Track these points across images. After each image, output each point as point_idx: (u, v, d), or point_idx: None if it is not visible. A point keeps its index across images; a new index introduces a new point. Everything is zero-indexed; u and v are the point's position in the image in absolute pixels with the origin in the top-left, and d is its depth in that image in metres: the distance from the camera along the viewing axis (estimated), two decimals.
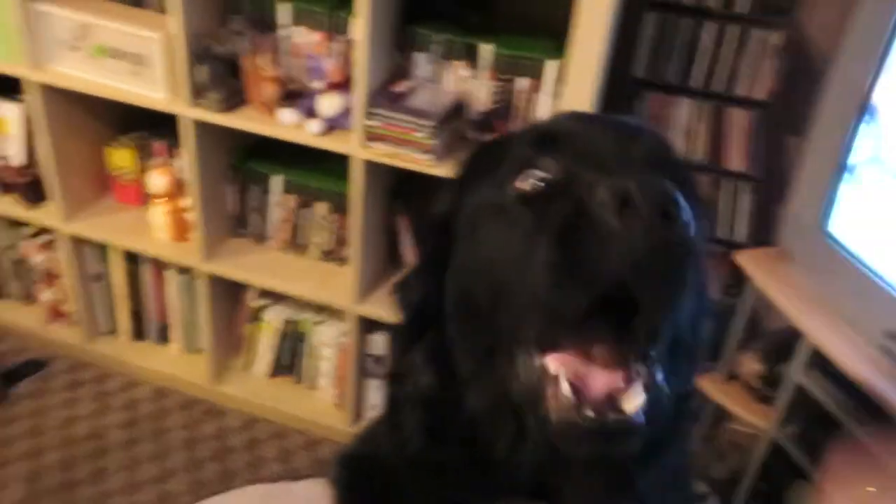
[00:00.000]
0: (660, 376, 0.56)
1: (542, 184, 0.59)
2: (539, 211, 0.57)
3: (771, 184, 1.83)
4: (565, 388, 0.54)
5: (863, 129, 1.37)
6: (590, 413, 0.53)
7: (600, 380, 0.54)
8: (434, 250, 0.69)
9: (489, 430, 0.64)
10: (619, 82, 1.62)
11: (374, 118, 1.62)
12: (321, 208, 1.95)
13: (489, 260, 0.61)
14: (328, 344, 2.10)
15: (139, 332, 2.29)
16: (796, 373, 1.49)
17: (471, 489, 0.69)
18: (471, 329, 0.64)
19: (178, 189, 1.99)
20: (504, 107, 1.66)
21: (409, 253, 1.96)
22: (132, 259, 2.15)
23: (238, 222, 2.06)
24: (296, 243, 2.03)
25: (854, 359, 1.32)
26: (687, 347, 0.61)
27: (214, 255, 2.00)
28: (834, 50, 1.51)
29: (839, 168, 1.40)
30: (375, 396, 2.10)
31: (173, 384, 2.24)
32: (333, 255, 2.01)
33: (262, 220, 2.03)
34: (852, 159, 1.40)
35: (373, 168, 1.72)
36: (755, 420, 1.64)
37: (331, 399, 2.16)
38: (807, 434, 1.51)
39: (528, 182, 0.59)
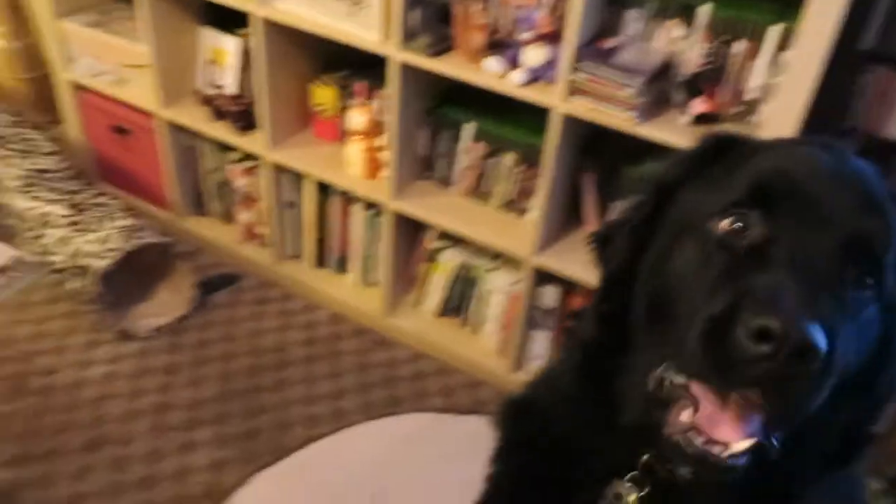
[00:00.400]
0: (774, 441, 0.62)
1: (743, 237, 0.63)
2: (725, 266, 0.62)
3: None
4: (687, 413, 0.62)
5: None
6: (697, 442, 0.60)
7: (721, 423, 0.60)
8: (640, 225, 0.74)
9: (626, 401, 0.72)
10: (844, 54, 1.51)
11: (579, 72, 1.62)
12: (508, 158, 1.97)
13: (676, 280, 0.67)
14: (498, 291, 2.14)
15: (321, 260, 2.43)
16: None
17: (591, 457, 0.76)
18: (649, 320, 0.71)
19: (374, 128, 2.07)
20: (715, 70, 1.60)
21: (590, 211, 1.95)
22: (323, 191, 2.26)
23: (426, 165, 2.12)
24: (479, 191, 2.07)
25: None
26: (860, 389, 0.65)
27: (401, 194, 2.08)
28: None
29: None
30: (538, 347, 2.13)
31: (348, 311, 2.37)
32: (514, 205, 2.04)
33: (448, 166, 2.08)
34: None
35: (570, 122, 1.72)
36: None
37: (494, 344, 2.21)
38: None
39: (731, 228, 0.64)
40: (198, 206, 2.59)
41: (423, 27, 1.76)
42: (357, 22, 1.84)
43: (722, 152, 0.72)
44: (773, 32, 1.51)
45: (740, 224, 0.64)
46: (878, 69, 1.59)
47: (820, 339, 0.54)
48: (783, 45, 1.50)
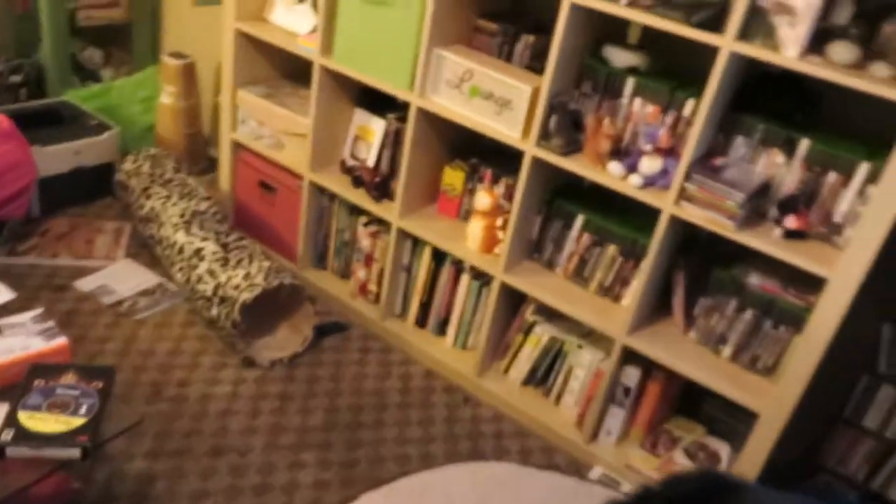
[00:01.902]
0: None
1: None
2: None
3: None
4: None
5: None
6: None
7: None
8: None
9: None
10: None
11: (690, 182, 1.85)
12: (611, 250, 2.19)
13: None
14: (583, 366, 2.32)
15: (423, 321, 2.64)
16: None
17: None
18: None
19: (496, 210, 2.32)
20: (808, 194, 1.82)
21: (678, 304, 2.14)
22: (437, 259, 2.50)
23: (535, 247, 2.36)
24: (579, 275, 2.29)
25: None
26: None
27: (511, 270, 2.30)
28: None
29: None
30: (614, 422, 2.28)
31: (442, 369, 2.56)
32: (610, 291, 2.24)
33: (555, 250, 2.31)
34: None
35: (675, 224, 1.94)
36: None
37: (572, 415, 2.37)
38: None
39: None
40: (319, 260, 2.85)
41: (557, 130, 2.03)
42: (502, 121, 2.12)
43: (715, 491, 0.76)
44: (863, 168, 1.74)
45: None
46: None
47: None
48: (871, 179, 1.73)
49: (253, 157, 2.84)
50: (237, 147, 2.88)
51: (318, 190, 2.69)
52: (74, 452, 1.49)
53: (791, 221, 1.80)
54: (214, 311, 2.42)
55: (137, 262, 2.83)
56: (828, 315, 1.77)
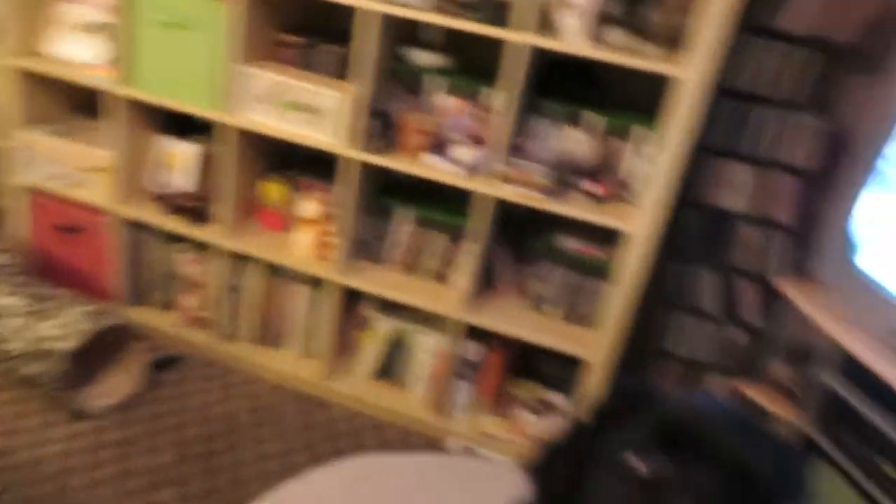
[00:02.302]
0: None
1: (650, 472, 0.77)
2: (638, 499, 0.77)
3: (808, 231, 2.22)
4: None
5: (870, 191, 1.79)
6: None
7: None
8: (574, 461, 0.88)
9: None
10: (696, 148, 2.04)
11: (502, 164, 2.03)
12: (439, 238, 2.33)
13: None
14: (426, 350, 2.44)
15: (261, 337, 2.61)
16: (822, 373, 1.86)
17: None
18: None
19: (323, 217, 2.36)
20: (604, 163, 2.07)
21: (505, 277, 2.33)
22: (268, 274, 2.49)
23: (366, 246, 2.43)
24: (412, 266, 2.40)
25: (871, 355, 1.70)
26: None
27: (346, 272, 2.36)
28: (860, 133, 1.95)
29: (858, 219, 1.82)
30: (463, 397, 2.43)
31: (289, 381, 2.56)
32: (442, 276, 2.38)
33: (386, 246, 2.40)
34: (865, 211, 1.81)
35: (493, 205, 2.11)
36: (786, 415, 2.00)
37: (423, 399, 2.48)
38: (826, 423, 1.86)
39: (640, 464, 0.79)
40: (138, 296, 2.70)
41: (370, 132, 2.11)
42: (317, 129, 2.17)
43: (636, 398, 0.87)
44: (643, 135, 2.02)
45: (648, 460, 0.79)
46: (714, 159, 2.13)
47: None
48: (654, 146, 2.01)
49: (49, 200, 2.62)
50: (30, 192, 2.63)
51: (129, 223, 2.55)
52: None
53: (592, 187, 2.04)
54: (32, 369, 2.22)
55: None
56: (632, 265, 2.04)
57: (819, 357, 1.86)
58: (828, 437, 1.85)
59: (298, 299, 2.50)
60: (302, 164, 2.46)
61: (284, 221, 2.49)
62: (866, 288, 1.76)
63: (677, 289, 2.36)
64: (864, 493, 1.75)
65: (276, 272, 2.48)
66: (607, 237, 2.16)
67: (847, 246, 1.84)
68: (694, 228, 2.33)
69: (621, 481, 0.81)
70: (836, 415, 1.84)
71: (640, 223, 1.99)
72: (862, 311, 1.79)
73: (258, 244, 2.44)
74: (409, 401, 2.50)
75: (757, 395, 2.10)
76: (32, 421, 2.26)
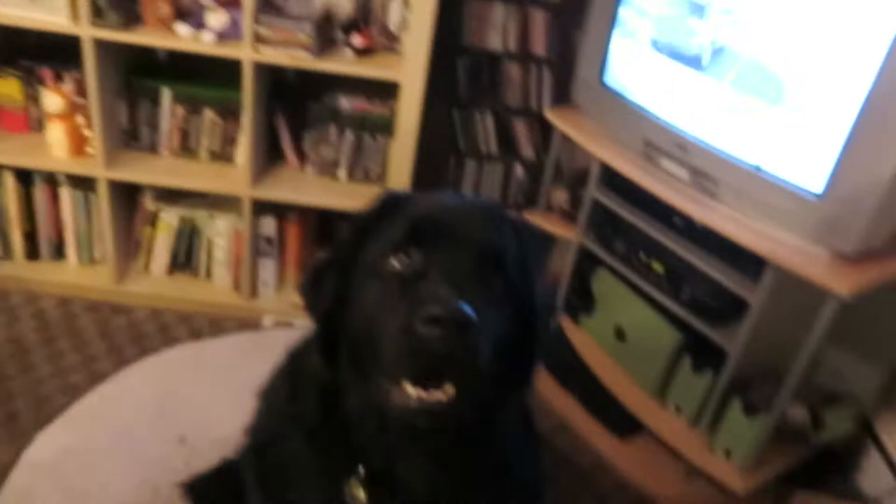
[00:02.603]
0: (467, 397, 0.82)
1: (408, 267, 0.84)
2: (399, 293, 0.81)
3: (565, 63, 2.32)
4: (402, 393, 0.80)
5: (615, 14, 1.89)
6: (414, 399, 0.80)
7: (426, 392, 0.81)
8: (341, 269, 0.92)
9: (357, 423, 0.89)
10: None
11: (261, 25, 1.91)
12: (208, 114, 2.19)
13: (368, 313, 0.85)
14: (221, 234, 2.35)
15: (34, 252, 2.39)
16: (593, 192, 2.02)
17: (342, 467, 0.91)
18: (353, 353, 0.87)
19: (73, 108, 2.13)
20: (364, 13, 2.01)
21: (287, 145, 2.26)
22: (24, 181, 2.24)
23: (131, 135, 2.24)
24: (186, 149, 2.25)
25: (629, 166, 1.86)
26: (518, 353, 0.90)
27: (113, 165, 2.17)
28: None
29: (607, 41, 1.92)
30: (267, 273, 2.39)
31: (76, 292, 2.38)
32: (221, 155, 2.26)
33: (152, 131, 2.23)
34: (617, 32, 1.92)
35: (260, 71, 2.00)
36: (568, 235, 2.16)
37: (228, 283, 2.42)
38: (601, 233, 2.05)
39: (398, 263, 0.85)
40: None
41: (108, 4, 1.89)
42: (40, 8, 1.90)
43: (392, 206, 0.92)
44: None
45: (404, 258, 0.84)
46: (473, 2, 2.14)
47: (470, 313, 0.74)
48: None
49: None
50: None
51: None
52: None
53: (357, 40, 1.98)
54: None
55: None
56: (408, 114, 2.04)
57: (589, 178, 2.01)
58: (602, 246, 2.04)
59: (67, 204, 2.29)
60: (40, 52, 2.17)
61: (31, 120, 2.22)
62: (621, 106, 1.90)
63: (461, 134, 2.42)
64: (633, 286, 1.97)
65: (34, 177, 2.23)
66: (385, 91, 2.13)
67: (600, 70, 1.95)
68: (467, 73, 2.37)
69: (382, 281, 0.85)
70: (606, 226, 2.02)
71: (408, 72, 1.98)
72: (619, 128, 1.93)
73: (3, 151, 2.17)
74: (215, 288, 2.42)
75: (542, 221, 2.24)
76: None
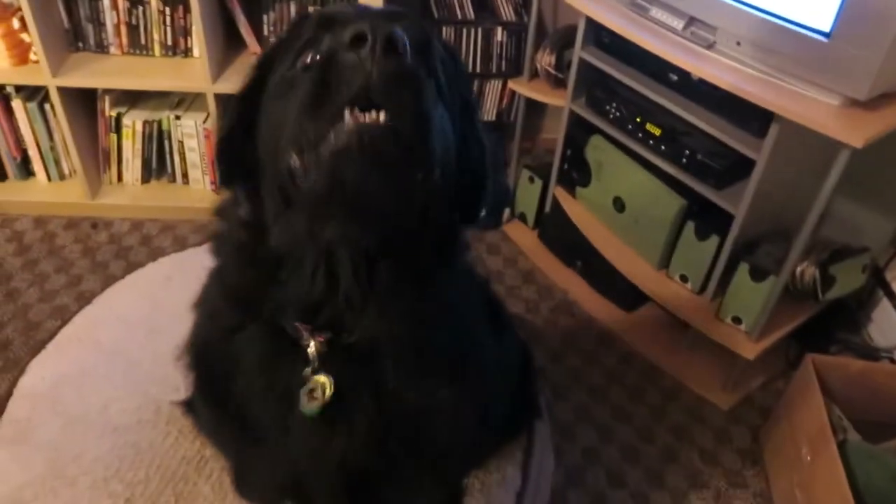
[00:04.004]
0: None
1: (320, 55, 0.67)
2: (316, 74, 0.65)
3: None
4: (336, 130, 0.62)
5: None
6: (350, 122, 0.61)
7: None
8: (243, 115, 0.77)
9: (289, 260, 0.76)
10: None
11: None
12: (154, 3, 2.00)
13: (280, 121, 0.69)
14: (191, 135, 2.22)
15: (1, 173, 2.28)
16: (579, 50, 1.86)
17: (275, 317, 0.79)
18: (271, 178, 0.72)
19: (4, 11, 1.95)
20: None
21: (246, 30, 2.08)
22: None
23: (76, 36, 2.06)
24: (138, 45, 2.08)
25: (615, 18, 1.70)
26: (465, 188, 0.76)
27: (61, 71, 2.02)
28: None
29: None
30: None
31: (51, 210, 2.29)
32: (176, 47, 2.09)
33: (98, 29, 2.05)
34: None
35: None
36: (557, 102, 2.02)
37: (207, 187, 2.32)
38: (592, 97, 1.90)
39: (310, 55, 0.69)
40: None
41: None
42: None
43: (301, 23, 0.76)
44: None
45: (313, 50, 0.69)
46: None
47: (401, 32, 0.60)
48: None
49: None
50: None
51: None
52: None
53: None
54: None
55: None
56: None
57: (575, 36, 1.84)
58: (594, 110, 1.90)
59: (23, 118, 2.15)
60: None
61: None
62: None
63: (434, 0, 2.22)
64: (630, 152, 1.85)
65: None
66: None
67: None
68: None
69: (294, 81, 0.70)
70: (597, 88, 1.88)
71: None
72: None
73: None
74: (193, 193, 2.33)
75: (530, 90, 2.09)
76: None
